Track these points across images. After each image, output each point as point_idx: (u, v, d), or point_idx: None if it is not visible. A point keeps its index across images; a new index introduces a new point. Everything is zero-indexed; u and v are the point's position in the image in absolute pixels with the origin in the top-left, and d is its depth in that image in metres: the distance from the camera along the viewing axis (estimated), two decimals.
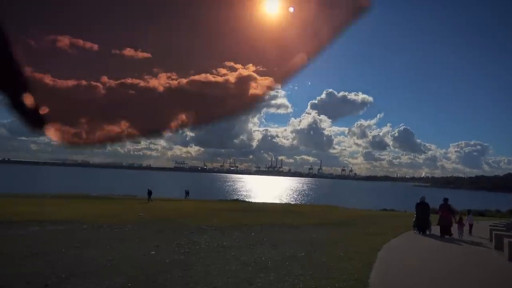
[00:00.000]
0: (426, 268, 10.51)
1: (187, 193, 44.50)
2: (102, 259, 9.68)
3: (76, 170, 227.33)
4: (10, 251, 10.22)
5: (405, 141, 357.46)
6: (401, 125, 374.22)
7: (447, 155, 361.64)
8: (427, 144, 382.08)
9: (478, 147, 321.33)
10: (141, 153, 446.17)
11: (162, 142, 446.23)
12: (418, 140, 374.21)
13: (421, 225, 17.57)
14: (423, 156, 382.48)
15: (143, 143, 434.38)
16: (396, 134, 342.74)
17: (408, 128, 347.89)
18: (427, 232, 17.42)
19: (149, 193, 35.42)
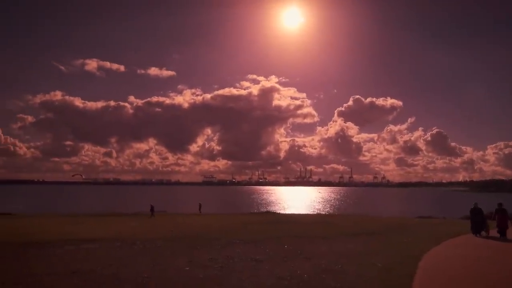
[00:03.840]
0: (472, 279, 9.91)
1: (200, 207, 44.41)
2: (137, 276, 9.67)
3: (108, 188, 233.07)
4: (49, 271, 10.38)
5: (439, 144, 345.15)
6: (433, 128, 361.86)
7: (485, 158, 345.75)
8: (462, 147, 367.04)
9: None
10: (170, 169, 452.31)
11: (189, 157, 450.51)
12: (453, 143, 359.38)
13: (476, 228, 19.38)
14: (459, 159, 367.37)
15: (171, 158, 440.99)
16: (429, 138, 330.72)
17: (442, 131, 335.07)
18: (484, 234, 19.09)
19: (152, 208, 35.65)
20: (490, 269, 11.20)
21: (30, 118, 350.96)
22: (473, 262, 12.28)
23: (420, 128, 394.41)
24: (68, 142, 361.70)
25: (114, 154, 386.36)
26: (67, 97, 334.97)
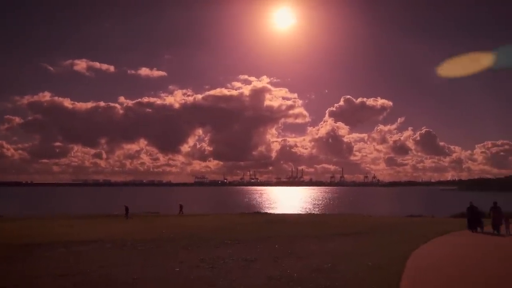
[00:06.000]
0: (458, 274, 10.10)
1: (181, 207, 44.12)
2: (127, 278, 9.66)
3: (98, 189, 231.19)
4: (39, 273, 10.32)
5: (428, 144, 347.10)
6: (422, 128, 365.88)
7: (473, 157, 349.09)
8: (451, 147, 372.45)
9: (506, 146, 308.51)
10: (161, 170, 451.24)
11: (180, 158, 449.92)
12: (442, 143, 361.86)
13: (472, 225, 20.94)
14: (447, 159, 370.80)
15: (162, 159, 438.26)
16: (418, 138, 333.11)
17: (431, 130, 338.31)
18: (479, 230, 20.66)
19: (126, 210, 35.27)
20: (473, 266, 11.41)
21: (17, 119, 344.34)
22: (457, 259, 12.59)
23: (410, 128, 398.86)
24: (57, 143, 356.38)
25: (104, 155, 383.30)
26: (56, 98, 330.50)
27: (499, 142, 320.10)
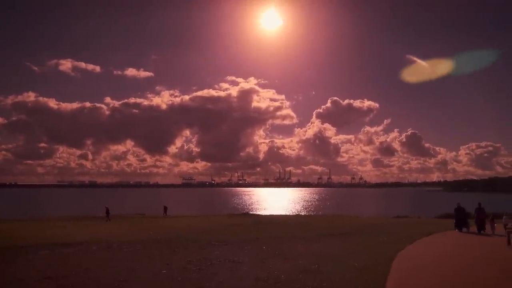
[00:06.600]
0: (443, 274, 10.24)
1: (165, 209, 43.86)
2: (113, 280, 9.56)
3: (84, 191, 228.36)
4: (23, 276, 10.14)
5: (414, 146, 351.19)
6: (408, 129, 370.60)
7: (458, 158, 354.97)
8: (436, 148, 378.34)
9: (490, 148, 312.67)
10: (148, 171, 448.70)
11: (168, 159, 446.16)
12: (427, 144, 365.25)
13: (459, 225, 21.69)
14: (433, 160, 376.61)
15: (149, 160, 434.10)
16: (404, 140, 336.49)
17: (416, 132, 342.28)
18: (465, 230, 21.36)
19: (107, 211, 35.05)
20: (458, 266, 11.60)
21: (1, 120, 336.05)
22: (443, 259, 12.77)
23: (396, 130, 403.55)
24: (42, 144, 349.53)
25: (90, 156, 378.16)
26: (40, 98, 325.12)
27: (482, 144, 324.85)
